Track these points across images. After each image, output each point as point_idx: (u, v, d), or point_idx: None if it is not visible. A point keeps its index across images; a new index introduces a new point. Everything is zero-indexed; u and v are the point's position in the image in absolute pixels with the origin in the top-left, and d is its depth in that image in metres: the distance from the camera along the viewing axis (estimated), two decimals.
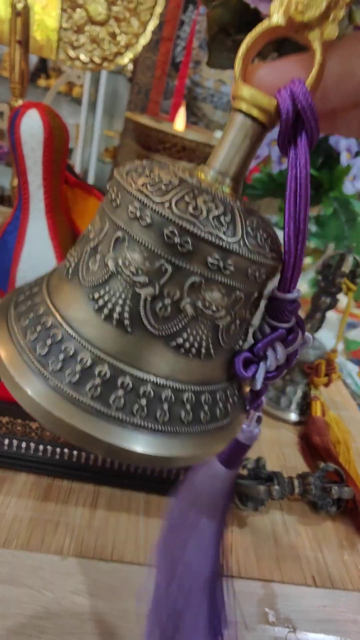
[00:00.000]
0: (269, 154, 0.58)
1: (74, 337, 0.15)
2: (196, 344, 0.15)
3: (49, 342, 0.15)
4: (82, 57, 0.59)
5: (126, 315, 0.14)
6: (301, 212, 0.14)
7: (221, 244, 0.13)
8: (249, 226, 0.14)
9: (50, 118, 0.43)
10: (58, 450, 0.31)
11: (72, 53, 0.58)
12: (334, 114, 0.15)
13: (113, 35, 0.58)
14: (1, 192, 2.13)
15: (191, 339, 0.15)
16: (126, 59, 0.60)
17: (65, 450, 0.31)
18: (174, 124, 0.52)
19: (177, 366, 0.15)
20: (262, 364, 0.16)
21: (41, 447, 0.30)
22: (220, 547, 0.19)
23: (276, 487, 0.33)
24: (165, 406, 0.15)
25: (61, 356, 0.14)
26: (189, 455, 0.15)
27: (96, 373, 0.14)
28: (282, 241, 0.15)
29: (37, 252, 0.49)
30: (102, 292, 0.14)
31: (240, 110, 0.14)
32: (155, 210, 0.13)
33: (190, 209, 0.13)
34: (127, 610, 0.25)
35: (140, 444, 0.14)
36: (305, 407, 0.46)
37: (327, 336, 0.60)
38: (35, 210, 0.49)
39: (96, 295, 0.15)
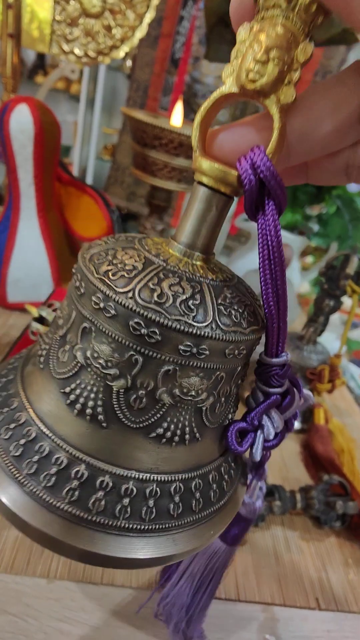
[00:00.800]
0: None
1: (48, 436, 0.13)
2: (179, 432, 0.14)
3: (22, 441, 0.13)
4: (77, 50, 0.57)
5: (99, 409, 0.13)
6: (278, 279, 0.13)
7: (191, 330, 0.13)
8: (221, 304, 0.14)
9: (41, 113, 0.41)
10: None
11: (65, 47, 0.56)
12: (305, 166, 0.15)
13: (108, 28, 0.56)
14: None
15: (172, 427, 0.14)
16: (122, 53, 0.58)
17: None
18: (170, 120, 0.50)
19: (161, 457, 0.14)
20: (258, 433, 0.15)
21: None
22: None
23: (277, 502, 0.31)
24: (151, 502, 0.13)
25: (35, 457, 0.13)
26: (184, 550, 0.14)
27: (72, 475, 0.13)
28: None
29: (28, 253, 0.48)
30: (72, 385, 0.14)
31: (201, 183, 0.14)
32: (118, 301, 0.12)
33: (155, 296, 0.13)
34: (119, 638, 0.23)
35: (126, 550, 0.13)
36: (307, 414, 0.44)
37: (329, 338, 0.59)
38: (26, 209, 0.47)
39: (67, 389, 0.14)
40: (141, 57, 1.93)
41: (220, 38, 0.53)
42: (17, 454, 0.13)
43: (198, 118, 0.13)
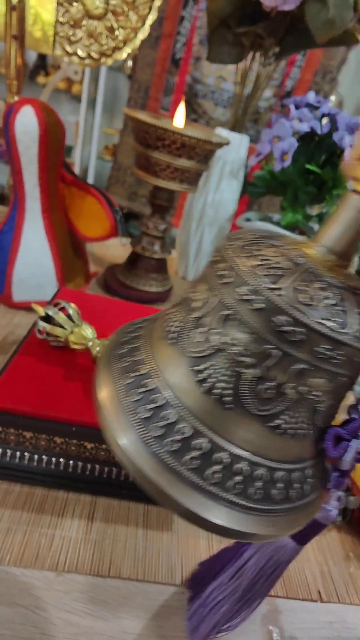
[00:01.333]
0: (271, 150, 0.56)
1: (175, 405, 0.15)
2: (293, 426, 0.15)
3: (150, 406, 0.15)
4: (79, 52, 0.57)
5: (227, 392, 0.14)
6: None
7: (334, 336, 0.13)
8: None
9: (46, 114, 0.42)
10: (53, 460, 0.29)
11: (69, 48, 0.57)
12: None
13: (111, 30, 0.56)
14: (1, 190, 2.11)
15: (289, 420, 0.15)
16: (124, 54, 0.58)
17: (61, 460, 0.30)
18: (173, 120, 0.50)
19: (273, 445, 0.15)
20: (353, 442, 0.16)
21: (36, 456, 0.29)
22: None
23: None
24: (259, 484, 0.15)
25: (162, 423, 0.15)
26: (276, 533, 0.15)
27: (195, 445, 0.14)
28: None
29: (33, 253, 0.48)
30: (204, 365, 0.15)
31: (357, 192, 0.14)
32: (267, 297, 0.13)
33: (304, 298, 0.13)
34: (125, 630, 0.24)
35: (230, 521, 0.14)
36: None
37: None
38: (31, 210, 0.47)
39: (198, 368, 0.15)
40: (142, 57, 1.93)
41: (221, 39, 0.53)
42: (145, 416, 0.14)
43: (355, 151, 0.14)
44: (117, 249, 0.76)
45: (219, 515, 0.14)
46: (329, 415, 0.16)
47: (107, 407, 0.15)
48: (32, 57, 2.11)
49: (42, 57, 2.05)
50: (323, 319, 0.13)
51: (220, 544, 0.30)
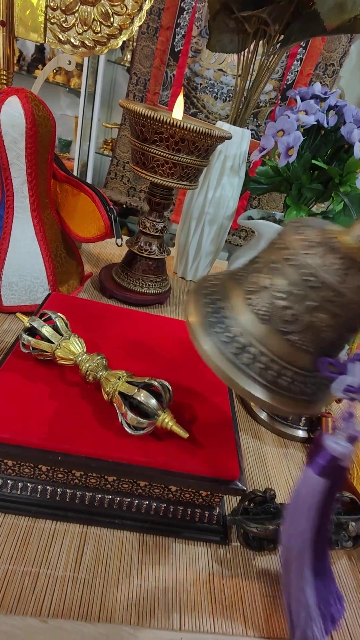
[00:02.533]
0: (275, 145, 0.53)
1: (235, 325, 0.22)
2: (304, 342, 0.21)
3: (221, 325, 0.22)
4: (72, 40, 0.54)
5: (266, 314, 0.21)
6: None
7: (336, 287, 0.19)
8: None
9: (34, 106, 0.39)
10: (39, 487, 0.27)
11: (61, 36, 0.54)
12: None
13: (105, 16, 0.53)
14: None
15: (301, 338, 0.21)
16: (120, 42, 0.55)
17: (48, 487, 0.27)
18: (172, 113, 0.47)
19: (288, 352, 0.21)
20: (344, 376, 0.20)
21: (20, 484, 0.27)
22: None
23: None
24: (274, 375, 0.21)
25: (227, 334, 0.22)
26: (282, 407, 0.22)
27: (246, 349, 0.21)
28: None
29: (23, 255, 0.45)
30: (254, 296, 0.22)
31: None
32: (300, 258, 0.20)
33: (321, 262, 0.20)
34: None
35: (260, 394, 0.21)
36: (316, 424, 0.42)
37: None
38: (19, 209, 0.44)
39: (249, 297, 0.22)
40: (140, 50, 1.88)
41: (223, 26, 0.50)
42: (218, 331, 0.22)
43: None
44: (114, 248, 0.73)
45: (256, 390, 0.21)
46: (331, 346, 0.22)
47: (196, 325, 0.22)
48: (29, 49, 2.06)
49: (40, 50, 2.00)
50: (330, 275, 0.19)
51: (221, 577, 0.27)
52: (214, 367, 0.21)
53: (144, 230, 0.54)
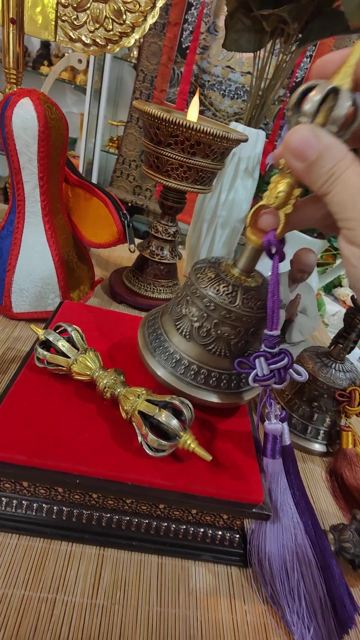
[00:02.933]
0: None
1: (170, 344, 0.29)
2: (219, 350, 0.28)
3: (161, 347, 0.29)
4: (84, 38, 0.53)
5: (187, 334, 0.29)
6: (275, 290, 0.25)
7: (228, 306, 0.27)
8: (245, 297, 0.27)
9: (46, 108, 0.38)
10: (55, 509, 0.26)
11: (72, 34, 0.52)
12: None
13: (118, 14, 0.51)
14: (4, 183, 2.07)
15: (216, 347, 0.28)
16: (132, 41, 0.53)
17: (64, 509, 0.26)
18: (187, 115, 0.46)
19: (211, 359, 0.28)
20: (254, 371, 0.27)
21: (35, 505, 0.26)
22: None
23: None
24: (203, 378, 0.29)
25: (167, 353, 0.29)
26: (222, 401, 0.29)
27: (181, 362, 0.29)
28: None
29: (34, 260, 0.44)
30: (179, 322, 0.29)
31: (249, 242, 0.26)
32: (202, 291, 0.27)
33: (214, 290, 0.27)
34: None
35: (193, 393, 0.28)
36: (335, 436, 0.41)
37: (355, 353, 0.55)
38: (31, 214, 0.43)
39: (177, 324, 0.29)
40: (148, 46, 1.86)
41: (239, 25, 0.48)
42: (159, 353, 0.29)
43: (250, 214, 0.25)
44: (123, 251, 0.72)
45: (207, 395, 0.28)
46: (241, 349, 0.29)
47: (143, 349, 0.30)
48: (35, 45, 2.04)
49: (45, 46, 1.99)
50: (221, 299, 0.27)
51: (243, 602, 0.26)
52: (160, 379, 0.29)
53: (155, 234, 0.53)
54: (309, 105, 0.19)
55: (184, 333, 0.28)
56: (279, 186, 0.22)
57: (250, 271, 0.28)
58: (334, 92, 0.19)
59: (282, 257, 0.25)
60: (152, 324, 0.31)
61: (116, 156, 1.87)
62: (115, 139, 2.03)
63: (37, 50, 1.99)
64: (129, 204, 1.91)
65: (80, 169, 1.94)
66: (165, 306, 0.32)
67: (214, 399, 0.28)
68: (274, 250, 0.24)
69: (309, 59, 1.64)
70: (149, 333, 0.31)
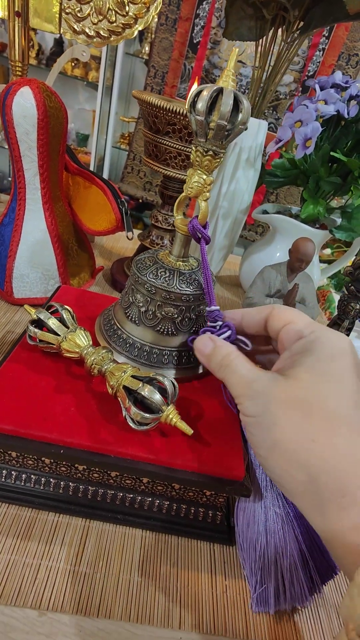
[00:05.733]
0: (292, 136, 0.52)
1: (122, 332, 0.32)
2: (167, 330, 0.31)
3: (116, 335, 0.32)
4: (87, 30, 0.53)
5: (136, 319, 0.31)
6: (207, 272, 0.29)
7: (167, 288, 0.29)
8: (181, 279, 0.30)
9: (45, 96, 0.38)
10: (42, 480, 0.27)
11: (76, 26, 0.53)
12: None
13: (121, 5, 0.52)
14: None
15: (163, 327, 0.31)
16: (135, 32, 0.54)
17: (51, 480, 0.27)
18: (185, 103, 0.46)
19: (160, 339, 0.31)
20: (196, 339, 0.29)
21: (23, 475, 0.27)
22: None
23: None
24: (165, 357, 0.31)
25: (120, 341, 0.32)
26: (177, 376, 0.32)
27: (132, 344, 0.31)
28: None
29: (34, 247, 0.45)
30: (128, 310, 0.32)
31: (179, 232, 0.30)
32: (143, 279, 0.30)
33: (154, 275, 0.30)
34: None
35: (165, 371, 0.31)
36: None
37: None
38: (31, 201, 0.44)
39: (126, 310, 0.32)
40: (159, 42, 1.86)
41: (240, 13, 0.48)
42: (113, 340, 0.32)
43: (176, 204, 0.30)
44: (126, 242, 0.73)
45: (162, 372, 0.30)
46: (186, 326, 0.31)
47: (100, 338, 0.33)
48: (48, 42, 2.07)
49: (59, 43, 2.01)
50: (160, 282, 0.29)
51: (224, 578, 0.26)
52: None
53: (156, 224, 0.54)
54: (200, 103, 0.24)
55: (133, 319, 0.31)
56: (193, 178, 0.27)
57: (184, 256, 0.31)
58: (220, 92, 0.24)
59: (207, 241, 0.29)
60: (107, 315, 0.35)
61: (127, 152, 1.88)
62: (126, 135, 2.04)
63: (50, 48, 2.01)
64: (140, 200, 1.92)
65: (92, 165, 1.96)
66: (118, 300, 0.35)
67: (169, 375, 0.31)
68: (199, 235, 0.28)
69: (321, 52, 1.62)
70: (104, 323, 0.34)
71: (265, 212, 0.65)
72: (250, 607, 0.25)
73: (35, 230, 0.45)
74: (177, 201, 0.29)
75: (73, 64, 1.95)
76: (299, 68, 1.61)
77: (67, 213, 0.48)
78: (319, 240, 0.59)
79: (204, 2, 1.74)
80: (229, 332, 0.29)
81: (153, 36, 1.71)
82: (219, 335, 0.29)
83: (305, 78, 1.61)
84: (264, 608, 0.25)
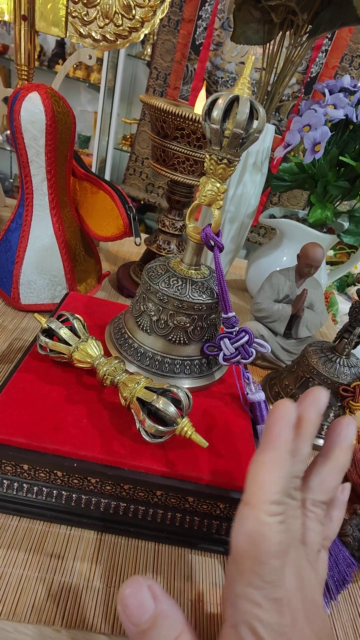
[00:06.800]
0: (301, 140, 0.51)
1: (133, 340, 0.32)
2: (178, 339, 0.31)
3: (127, 344, 0.32)
4: (94, 34, 0.53)
5: (148, 328, 0.31)
6: (222, 279, 0.29)
7: (179, 297, 0.29)
8: (193, 288, 0.30)
9: (54, 102, 0.38)
10: (54, 492, 0.26)
11: (82, 29, 0.53)
12: None
13: (127, 9, 0.52)
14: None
15: (175, 336, 0.30)
16: (142, 36, 0.54)
17: (63, 493, 0.26)
18: (193, 108, 0.46)
19: (172, 348, 0.31)
20: (221, 353, 0.31)
21: (35, 488, 0.26)
22: None
23: None
24: (167, 366, 0.31)
25: (132, 350, 0.31)
26: (196, 384, 0.32)
27: (144, 354, 0.31)
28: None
29: (41, 252, 0.45)
30: (139, 318, 0.32)
31: (191, 239, 0.30)
32: (155, 287, 0.30)
33: (166, 284, 0.30)
34: None
35: (177, 381, 0.31)
36: None
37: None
38: (39, 207, 0.44)
39: (137, 319, 0.32)
40: (161, 43, 1.86)
41: (248, 17, 0.48)
42: (124, 349, 0.32)
43: (188, 212, 0.30)
44: (132, 246, 0.72)
45: (174, 382, 0.30)
46: (199, 335, 0.31)
47: (110, 347, 0.33)
48: (50, 44, 2.07)
49: (60, 45, 2.01)
50: (173, 291, 0.29)
51: None
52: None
53: (162, 228, 0.53)
54: (216, 112, 0.23)
55: (144, 328, 0.31)
56: (207, 186, 0.27)
57: (196, 264, 0.31)
58: (236, 100, 0.23)
59: (220, 249, 0.28)
60: (117, 323, 0.34)
61: (129, 154, 1.88)
62: (128, 136, 2.04)
63: (52, 50, 2.01)
64: (142, 202, 1.92)
65: (94, 167, 1.96)
66: (128, 308, 0.35)
67: (182, 385, 0.30)
68: (212, 243, 0.28)
69: (324, 54, 1.62)
70: (115, 332, 0.33)
71: (272, 216, 0.64)
72: None
73: (42, 236, 0.45)
74: (188, 210, 0.29)
75: (75, 65, 1.95)
76: (302, 70, 1.61)
77: (75, 219, 0.48)
78: (326, 244, 0.59)
79: (207, 4, 1.74)
80: (246, 337, 0.29)
81: (155, 38, 1.71)
82: (237, 340, 0.29)
83: (309, 80, 1.61)
84: None
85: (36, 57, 1.95)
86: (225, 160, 0.26)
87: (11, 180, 2.23)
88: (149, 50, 1.86)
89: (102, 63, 1.75)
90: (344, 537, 0.29)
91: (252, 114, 0.24)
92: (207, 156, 0.26)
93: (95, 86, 1.94)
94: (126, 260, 0.67)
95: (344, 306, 1.41)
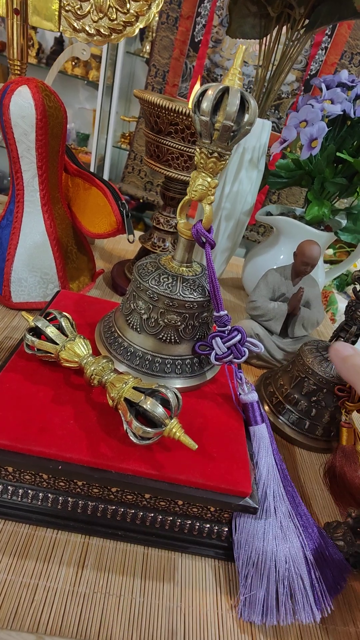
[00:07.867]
0: (297, 136, 0.50)
1: (123, 339, 0.31)
2: (169, 338, 0.30)
3: (116, 343, 0.31)
4: (87, 28, 0.52)
5: (138, 327, 0.30)
6: (213, 275, 0.29)
7: (170, 295, 0.28)
8: (184, 285, 0.29)
9: (44, 96, 0.37)
10: (40, 495, 0.26)
11: (75, 24, 0.52)
12: None
13: (121, 3, 0.51)
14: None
15: (165, 335, 0.30)
16: (136, 30, 0.53)
17: (49, 495, 0.26)
18: (188, 103, 0.45)
19: (162, 347, 0.30)
20: (213, 351, 0.30)
21: (20, 491, 0.26)
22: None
23: None
24: (158, 366, 0.30)
25: (121, 349, 0.31)
26: (186, 385, 0.31)
27: (134, 353, 0.30)
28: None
29: (32, 249, 0.44)
30: (129, 316, 0.31)
31: (182, 236, 0.29)
32: (145, 285, 0.29)
33: (156, 282, 0.29)
34: None
35: (168, 381, 0.30)
36: (333, 433, 0.40)
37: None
38: (30, 203, 0.43)
39: (127, 317, 0.31)
40: (160, 40, 1.85)
41: (244, 10, 0.47)
42: (114, 346, 0.31)
43: (179, 208, 0.29)
44: (127, 244, 0.71)
45: (164, 382, 0.30)
46: (190, 333, 0.30)
47: (99, 346, 0.32)
48: (49, 41, 2.05)
49: (59, 42, 1.99)
50: (163, 289, 0.28)
51: (229, 597, 0.25)
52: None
53: (157, 226, 0.52)
54: (205, 103, 0.23)
55: (134, 326, 0.30)
56: (197, 181, 0.26)
57: (188, 261, 0.30)
58: (226, 91, 0.23)
59: (212, 245, 0.28)
60: (107, 322, 0.33)
61: (128, 152, 1.87)
62: (127, 134, 2.03)
63: (50, 47, 2.00)
64: (140, 200, 1.91)
65: (92, 165, 1.95)
66: (119, 306, 0.34)
67: (172, 385, 0.30)
68: (204, 240, 0.27)
69: (324, 51, 1.61)
70: (105, 331, 0.33)
71: (269, 213, 0.64)
72: (239, 614, 0.24)
73: (33, 233, 0.44)
74: (179, 205, 0.28)
75: (73, 62, 1.94)
76: (302, 67, 1.60)
77: (67, 215, 0.47)
78: (323, 242, 0.58)
79: (206, 1, 1.73)
80: (239, 336, 0.29)
81: (154, 35, 1.70)
82: (229, 339, 0.29)
83: (308, 77, 1.60)
84: (250, 617, 0.24)
85: (34, 54, 1.94)
86: (215, 154, 0.25)
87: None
88: (147, 47, 1.85)
89: (101, 60, 1.74)
90: (337, 541, 0.29)
91: (244, 105, 0.23)
92: (198, 150, 0.25)
93: (93, 84, 1.93)
94: (121, 258, 0.66)
95: (343, 305, 1.40)
